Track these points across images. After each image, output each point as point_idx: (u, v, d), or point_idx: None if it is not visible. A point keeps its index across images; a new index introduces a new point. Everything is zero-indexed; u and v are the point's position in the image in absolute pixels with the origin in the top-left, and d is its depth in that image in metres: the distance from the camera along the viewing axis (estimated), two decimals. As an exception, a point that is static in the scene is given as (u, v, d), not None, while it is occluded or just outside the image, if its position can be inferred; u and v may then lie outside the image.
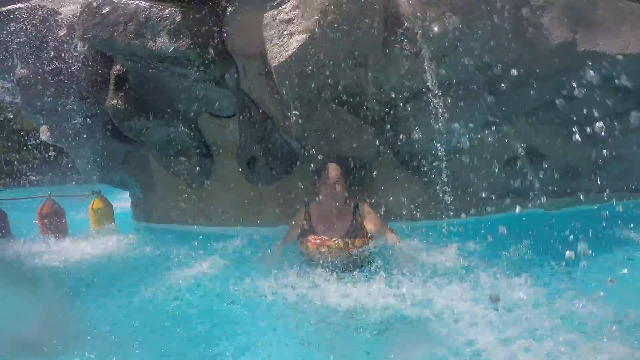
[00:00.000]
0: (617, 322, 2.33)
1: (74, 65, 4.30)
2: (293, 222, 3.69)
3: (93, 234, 5.06)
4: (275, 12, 3.38)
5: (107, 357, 2.36)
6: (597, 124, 3.83)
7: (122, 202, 6.05)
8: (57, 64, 4.32)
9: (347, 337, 2.43)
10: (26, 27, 4.30)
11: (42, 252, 4.45)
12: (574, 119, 3.81)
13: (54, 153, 6.37)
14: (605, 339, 2.18)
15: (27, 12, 4.23)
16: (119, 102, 4.15)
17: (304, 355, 2.34)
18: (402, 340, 2.40)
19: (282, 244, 3.68)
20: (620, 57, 3.64)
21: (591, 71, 3.53)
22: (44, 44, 4.29)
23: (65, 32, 4.20)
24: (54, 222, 5.15)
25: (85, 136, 4.71)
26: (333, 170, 3.51)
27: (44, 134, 5.45)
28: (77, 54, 4.29)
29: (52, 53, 4.31)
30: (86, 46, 3.98)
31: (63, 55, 4.29)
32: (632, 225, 3.81)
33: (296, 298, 2.86)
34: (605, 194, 4.16)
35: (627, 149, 4.29)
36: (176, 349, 2.44)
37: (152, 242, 4.44)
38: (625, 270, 3.02)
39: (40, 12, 4.20)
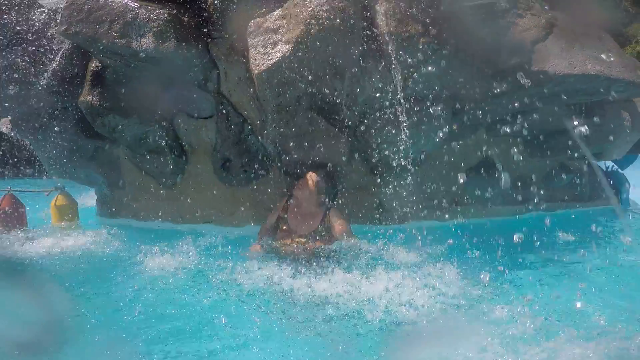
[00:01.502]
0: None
1: (48, 58, 4.25)
2: (273, 211, 3.95)
3: (55, 231, 4.91)
4: (262, 20, 3.53)
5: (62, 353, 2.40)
6: (544, 137, 4.24)
7: (85, 198, 5.93)
8: (29, 56, 4.25)
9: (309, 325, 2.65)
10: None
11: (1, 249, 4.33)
12: (526, 132, 4.20)
13: (7, 146, 6.16)
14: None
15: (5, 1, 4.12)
16: (94, 99, 4.15)
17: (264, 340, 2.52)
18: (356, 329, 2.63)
19: (263, 233, 3.90)
20: (567, 77, 3.95)
21: (545, 89, 3.91)
22: (17, 34, 4.20)
23: (42, 24, 4.14)
24: (13, 219, 4.98)
25: (52, 131, 4.63)
26: (313, 179, 3.74)
27: (5, 127, 5.29)
28: (49, 47, 4.23)
29: (25, 45, 4.23)
30: (66, 41, 3.95)
31: (37, 47, 4.22)
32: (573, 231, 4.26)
33: (261, 287, 3.11)
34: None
35: (574, 161, 4.74)
36: (132, 346, 2.48)
37: (119, 239, 4.38)
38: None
39: (16, 2, 4.10)
